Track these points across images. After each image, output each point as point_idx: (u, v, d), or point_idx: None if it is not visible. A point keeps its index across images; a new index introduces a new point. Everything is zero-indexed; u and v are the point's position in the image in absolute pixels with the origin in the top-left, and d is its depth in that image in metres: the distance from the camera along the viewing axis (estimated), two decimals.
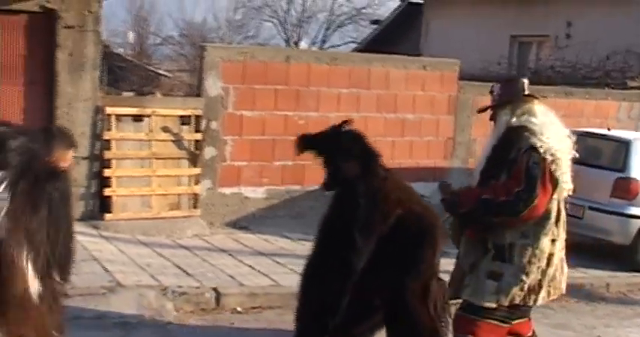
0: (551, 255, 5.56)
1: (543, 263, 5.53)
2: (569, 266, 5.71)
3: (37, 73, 10.38)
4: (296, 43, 34.54)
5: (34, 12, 10.26)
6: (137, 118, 10.72)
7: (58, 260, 5.12)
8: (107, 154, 10.52)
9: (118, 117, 10.58)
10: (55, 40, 10.25)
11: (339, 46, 34.43)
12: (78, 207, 10.37)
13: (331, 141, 6.59)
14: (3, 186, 4.71)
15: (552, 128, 5.58)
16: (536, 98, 5.79)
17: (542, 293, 5.58)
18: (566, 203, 5.71)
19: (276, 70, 11.47)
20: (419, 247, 6.21)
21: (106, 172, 10.52)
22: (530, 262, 5.47)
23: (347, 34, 35.28)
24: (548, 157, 5.41)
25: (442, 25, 20.83)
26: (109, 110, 10.47)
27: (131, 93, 13.96)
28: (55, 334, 5.06)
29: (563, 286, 5.79)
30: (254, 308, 8.10)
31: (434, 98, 12.52)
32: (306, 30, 35.96)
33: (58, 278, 5.12)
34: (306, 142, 6.64)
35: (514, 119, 5.57)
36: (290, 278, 8.35)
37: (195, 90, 11.64)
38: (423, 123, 12.49)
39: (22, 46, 10.31)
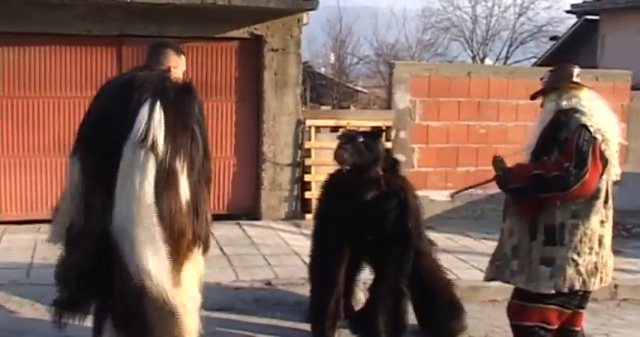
0: (601, 237, 5.12)
1: (595, 245, 5.10)
2: None
3: (246, 91, 10.76)
4: (482, 60, 34.11)
5: (244, 38, 10.68)
6: (334, 129, 10.91)
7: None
8: (308, 161, 10.79)
9: (317, 128, 10.84)
10: (261, 61, 10.62)
11: (520, 61, 33.80)
12: (282, 208, 10.72)
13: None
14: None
15: (600, 112, 5.20)
16: (584, 86, 5.37)
17: (598, 277, 5.15)
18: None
19: (458, 83, 11.44)
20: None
21: (307, 177, 10.80)
22: (581, 241, 5.04)
23: (529, 51, 34.58)
24: (599, 137, 5.03)
25: (617, 39, 20.13)
26: (309, 122, 10.72)
27: (328, 107, 14.22)
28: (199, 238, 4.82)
29: (611, 273, 5.34)
30: None
31: None
32: (490, 47, 35.49)
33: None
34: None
35: (564, 102, 5.20)
36: (470, 273, 8.33)
37: (386, 104, 11.76)
38: None
39: (233, 68, 10.74)
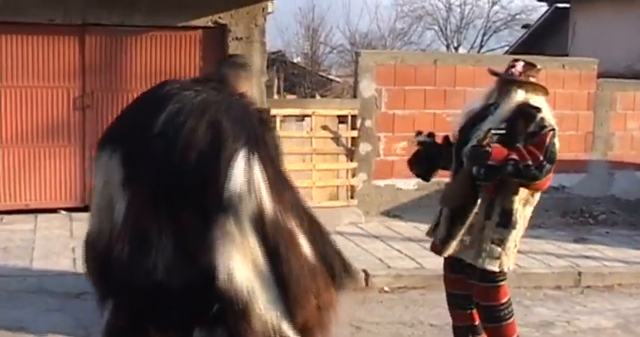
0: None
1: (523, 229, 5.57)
2: None
3: None
4: (456, 48, 34.26)
5: (207, 27, 10.66)
6: (299, 118, 10.94)
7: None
8: None
9: (283, 117, 10.84)
10: (225, 50, 10.60)
11: (494, 49, 33.91)
12: None
13: None
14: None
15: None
16: (545, 89, 5.58)
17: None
18: None
19: (424, 72, 11.48)
20: None
21: None
22: (522, 226, 5.48)
23: (503, 39, 34.69)
24: (557, 142, 5.33)
25: (588, 27, 20.25)
26: (274, 112, 10.70)
27: (294, 96, 14.26)
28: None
29: None
30: (400, 288, 8.15)
31: (573, 95, 12.21)
32: (464, 36, 35.62)
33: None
34: None
35: (532, 99, 5.42)
36: (435, 262, 8.29)
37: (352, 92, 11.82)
38: (564, 119, 12.17)
39: (197, 57, 10.73)
